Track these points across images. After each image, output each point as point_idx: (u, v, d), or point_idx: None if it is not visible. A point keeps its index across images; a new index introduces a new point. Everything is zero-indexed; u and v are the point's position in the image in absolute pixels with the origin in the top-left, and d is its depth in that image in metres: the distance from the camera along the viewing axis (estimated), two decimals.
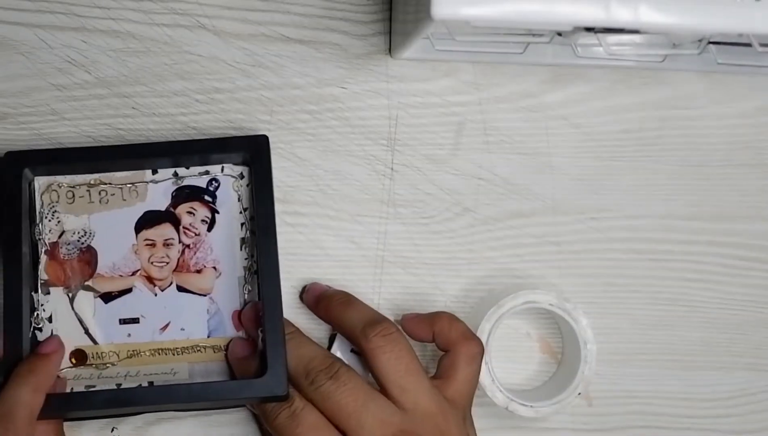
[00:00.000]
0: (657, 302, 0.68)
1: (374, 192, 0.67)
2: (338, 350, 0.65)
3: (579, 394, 0.64)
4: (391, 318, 0.66)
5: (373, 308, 0.62)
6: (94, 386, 0.63)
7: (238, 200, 0.65)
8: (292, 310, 0.64)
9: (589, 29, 0.57)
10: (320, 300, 0.64)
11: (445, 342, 0.62)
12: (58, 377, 0.62)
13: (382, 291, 0.67)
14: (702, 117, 0.69)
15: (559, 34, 0.62)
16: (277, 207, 0.65)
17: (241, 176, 0.65)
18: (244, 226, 0.65)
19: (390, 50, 0.67)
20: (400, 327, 0.61)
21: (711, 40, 0.65)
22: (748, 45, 0.63)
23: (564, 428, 0.67)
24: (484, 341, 0.64)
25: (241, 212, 0.65)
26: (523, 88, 0.68)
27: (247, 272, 0.64)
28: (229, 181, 0.65)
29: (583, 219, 0.68)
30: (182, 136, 0.66)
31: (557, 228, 0.68)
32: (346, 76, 0.67)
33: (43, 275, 0.64)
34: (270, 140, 0.65)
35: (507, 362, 0.67)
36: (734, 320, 0.69)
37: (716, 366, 0.69)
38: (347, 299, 0.63)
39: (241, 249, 0.65)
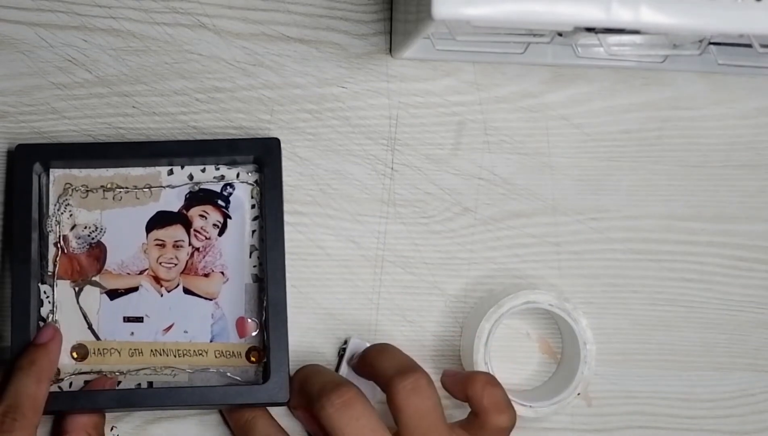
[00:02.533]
0: (657, 302, 0.68)
1: (374, 192, 0.67)
2: (346, 368, 0.65)
3: (578, 394, 0.64)
4: (391, 318, 0.67)
5: (408, 356, 0.61)
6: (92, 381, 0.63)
7: (252, 207, 0.65)
8: (291, 310, 0.64)
9: (589, 30, 0.57)
10: (361, 355, 0.63)
11: (477, 408, 0.60)
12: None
13: (382, 291, 0.67)
14: (702, 118, 0.69)
15: (560, 34, 0.62)
16: None
17: (257, 183, 0.65)
18: (255, 233, 0.65)
19: (390, 50, 0.67)
20: (430, 378, 0.59)
21: (712, 41, 0.65)
22: (749, 46, 0.63)
23: (563, 428, 0.67)
24: (483, 341, 0.64)
25: (253, 219, 0.65)
26: (524, 89, 0.68)
27: (254, 280, 0.65)
28: (244, 187, 0.65)
29: (583, 219, 0.68)
30: (182, 135, 0.66)
31: (557, 228, 0.68)
32: (347, 75, 0.67)
33: (50, 266, 0.64)
34: None
35: (506, 362, 0.67)
36: (734, 320, 0.69)
37: (716, 367, 0.69)
38: (383, 347, 0.62)
39: (250, 256, 0.65)
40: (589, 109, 0.68)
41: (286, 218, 0.65)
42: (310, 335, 0.66)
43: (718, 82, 0.68)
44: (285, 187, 0.66)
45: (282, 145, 0.66)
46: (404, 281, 0.67)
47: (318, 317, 0.66)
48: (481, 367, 0.64)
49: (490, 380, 0.60)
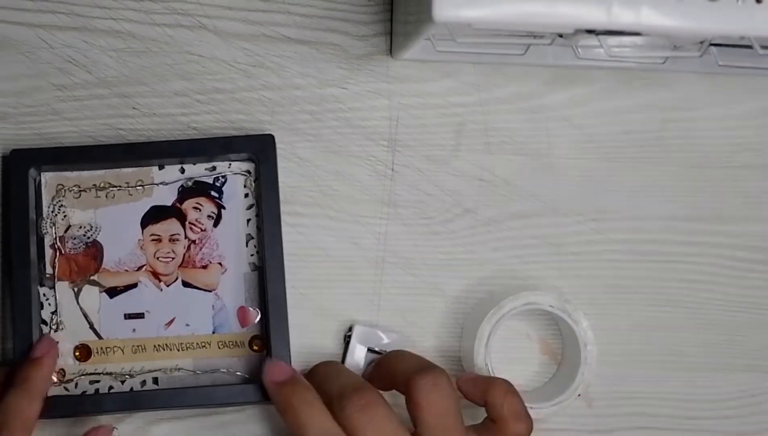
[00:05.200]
0: (658, 303, 0.68)
1: (375, 193, 0.67)
2: (355, 351, 0.65)
3: (579, 395, 0.64)
4: (392, 320, 0.67)
5: (425, 358, 0.61)
6: (98, 381, 0.64)
7: (245, 196, 0.65)
8: (292, 311, 0.64)
9: (590, 31, 0.57)
10: (376, 363, 0.63)
11: (496, 416, 0.60)
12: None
13: (383, 292, 0.67)
14: (703, 119, 0.69)
15: (561, 35, 0.62)
16: None
17: (249, 173, 0.65)
18: (250, 222, 0.65)
19: (391, 51, 0.67)
20: (449, 377, 0.59)
21: (712, 42, 0.65)
22: (749, 47, 0.63)
23: (564, 429, 0.67)
24: (483, 342, 0.64)
25: (248, 208, 0.65)
26: (524, 90, 0.68)
27: (252, 268, 0.65)
28: (236, 178, 0.65)
29: (584, 220, 0.68)
30: (183, 136, 0.66)
31: (558, 229, 0.68)
32: (347, 76, 0.67)
33: (48, 268, 0.64)
34: None
35: (507, 363, 0.67)
36: (735, 321, 0.69)
37: (717, 368, 0.69)
38: (400, 351, 0.63)
39: (246, 245, 0.65)
40: (589, 110, 0.68)
41: (287, 219, 0.65)
42: (310, 336, 0.66)
43: (719, 83, 0.68)
44: (285, 189, 0.66)
45: (282, 146, 0.66)
46: (405, 282, 0.67)
47: (319, 318, 0.66)
48: (481, 368, 0.64)
49: (510, 388, 0.61)
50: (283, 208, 0.66)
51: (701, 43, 0.63)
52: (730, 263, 0.69)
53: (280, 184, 0.65)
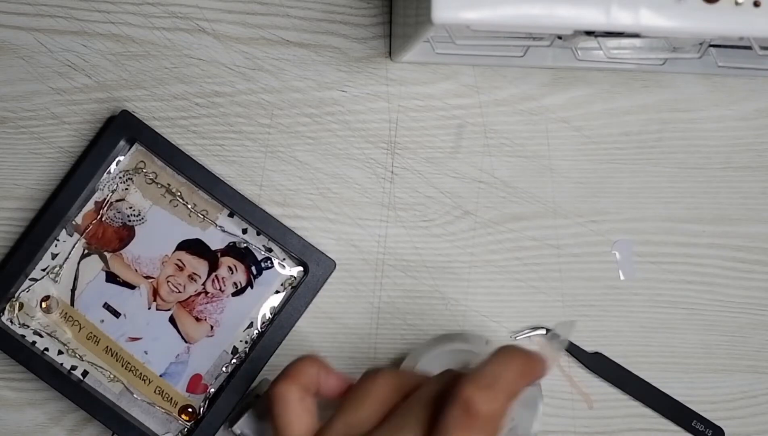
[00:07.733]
0: (657, 304, 0.68)
1: (374, 195, 0.67)
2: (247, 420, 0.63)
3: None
4: (392, 322, 0.67)
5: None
6: (41, 336, 0.65)
7: (275, 293, 0.65)
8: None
9: (589, 33, 0.57)
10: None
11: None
12: None
13: (383, 295, 0.67)
14: (702, 120, 0.69)
15: (560, 37, 0.62)
16: (277, 210, 0.66)
17: (293, 278, 0.65)
18: (263, 314, 0.65)
19: (390, 53, 0.67)
20: None
21: (711, 43, 0.65)
22: (749, 48, 0.63)
23: (565, 430, 0.67)
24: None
25: (269, 302, 0.65)
26: (524, 91, 0.68)
27: (232, 351, 0.65)
28: (281, 273, 0.65)
29: (584, 222, 0.68)
30: (181, 139, 0.66)
31: (557, 231, 0.68)
32: (347, 79, 0.67)
33: (79, 218, 0.65)
34: (270, 144, 0.65)
35: None
36: (735, 322, 0.69)
37: (717, 369, 0.69)
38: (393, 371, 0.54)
39: (244, 330, 0.65)
40: (589, 111, 0.68)
41: (287, 222, 0.65)
42: (310, 339, 0.66)
43: (718, 84, 0.68)
44: (285, 192, 0.66)
45: (282, 149, 0.66)
46: (405, 284, 0.67)
47: (319, 321, 0.66)
48: None
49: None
50: (282, 211, 0.66)
51: (700, 44, 0.63)
52: (729, 264, 0.69)
53: (280, 187, 0.65)
